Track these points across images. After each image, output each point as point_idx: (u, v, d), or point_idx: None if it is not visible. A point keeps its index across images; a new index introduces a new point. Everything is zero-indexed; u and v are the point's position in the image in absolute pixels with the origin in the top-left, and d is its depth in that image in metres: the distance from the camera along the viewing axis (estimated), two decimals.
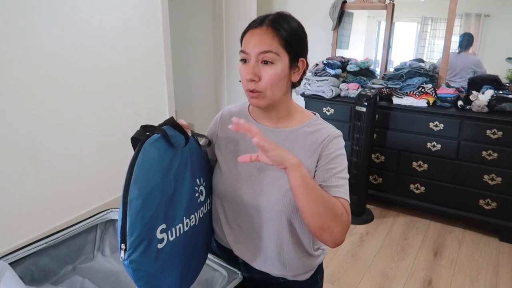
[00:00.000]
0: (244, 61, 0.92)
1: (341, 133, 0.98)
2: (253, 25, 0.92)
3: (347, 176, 0.95)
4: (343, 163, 0.94)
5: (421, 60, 3.07)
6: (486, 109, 2.51)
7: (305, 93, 3.12)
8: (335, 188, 0.90)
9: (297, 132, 0.97)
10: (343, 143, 0.97)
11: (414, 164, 2.80)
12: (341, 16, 3.38)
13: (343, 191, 0.91)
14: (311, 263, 1.03)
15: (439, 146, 2.68)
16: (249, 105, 1.07)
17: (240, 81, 0.99)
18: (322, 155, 0.93)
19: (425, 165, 2.76)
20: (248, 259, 1.02)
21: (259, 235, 0.98)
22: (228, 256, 1.08)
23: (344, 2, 3.33)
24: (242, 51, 0.92)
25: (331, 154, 0.93)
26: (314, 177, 0.93)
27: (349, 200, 0.92)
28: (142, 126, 0.84)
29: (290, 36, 0.90)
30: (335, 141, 0.95)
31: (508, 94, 2.52)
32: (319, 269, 1.09)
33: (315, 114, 1.02)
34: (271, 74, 0.89)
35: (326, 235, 0.85)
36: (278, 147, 0.80)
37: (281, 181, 0.93)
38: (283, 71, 0.90)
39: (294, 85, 0.97)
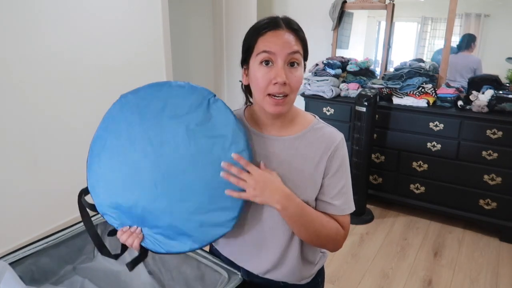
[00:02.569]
0: (266, 62, 0.86)
1: (343, 136, 0.96)
2: (269, 27, 0.86)
3: (350, 184, 0.96)
4: (347, 172, 0.95)
5: (421, 60, 3.06)
6: (486, 109, 2.51)
7: (305, 93, 3.12)
8: (338, 207, 0.93)
9: (300, 139, 0.94)
10: (346, 146, 0.96)
11: (414, 164, 2.80)
12: (341, 16, 3.38)
13: (345, 208, 0.94)
14: (312, 268, 1.03)
15: (439, 146, 2.68)
16: (244, 110, 1.00)
17: (241, 81, 0.96)
18: (329, 167, 0.92)
19: (425, 165, 2.76)
20: (251, 268, 1.01)
21: (263, 246, 0.97)
22: (228, 260, 1.07)
23: (344, 2, 3.33)
24: (265, 51, 0.85)
25: (337, 166, 0.93)
26: (320, 187, 0.93)
27: (351, 210, 0.95)
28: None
29: (305, 39, 0.90)
30: (340, 149, 0.93)
31: (508, 94, 2.52)
32: (320, 272, 1.09)
33: (315, 116, 1.00)
34: (298, 77, 0.87)
35: (326, 248, 0.97)
36: (263, 190, 0.83)
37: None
38: (303, 74, 0.90)
39: None
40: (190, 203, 0.88)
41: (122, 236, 0.93)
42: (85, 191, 1.00)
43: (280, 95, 0.86)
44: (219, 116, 0.87)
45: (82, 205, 0.98)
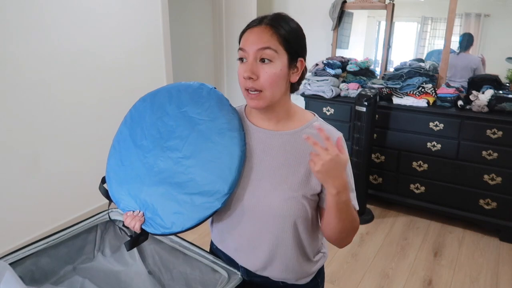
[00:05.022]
0: (242, 59, 0.90)
1: (341, 134, 0.96)
2: (251, 25, 0.91)
3: (353, 183, 0.97)
4: (350, 171, 0.96)
5: (421, 60, 3.07)
6: (486, 109, 2.51)
7: (305, 93, 3.12)
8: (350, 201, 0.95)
9: (297, 135, 0.95)
10: (345, 145, 0.96)
11: (414, 164, 2.80)
12: (341, 16, 3.38)
13: (354, 201, 0.96)
14: (312, 267, 1.03)
15: (439, 146, 2.68)
16: (245, 107, 1.04)
17: None
18: None
19: (425, 165, 2.77)
20: (250, 266, 1.01)
21: (261, 242, 0.97)
22: (227, 258, 1.08)
23: (344, 2, 3.33)
24: (240, 49, 0.90)
25: None
26: (322, 188, 0.93)
27: (356, 207, 0.96)
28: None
29: (289, 35, 0.89)
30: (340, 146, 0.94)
31: (508, 94, 2.52)
32: (320, 272, 1.09)
33: (314, 114, 1.01)
34: (270, 73, 0.87)
35: (342, 244, 0.97)
36: (329, 171, 0.82)
37: (283, 186, 0.92)
38: (282, 70, 0.89)
39: (293, 87, 0.96)
40: (185, 185, 0.95)
41: (126, 220, 0.99)
42: (104, 179, 1.10)
43: (252, 90, 0.89)
44: (214, 101, 0.98)
45: (104, 190, 1.08)
